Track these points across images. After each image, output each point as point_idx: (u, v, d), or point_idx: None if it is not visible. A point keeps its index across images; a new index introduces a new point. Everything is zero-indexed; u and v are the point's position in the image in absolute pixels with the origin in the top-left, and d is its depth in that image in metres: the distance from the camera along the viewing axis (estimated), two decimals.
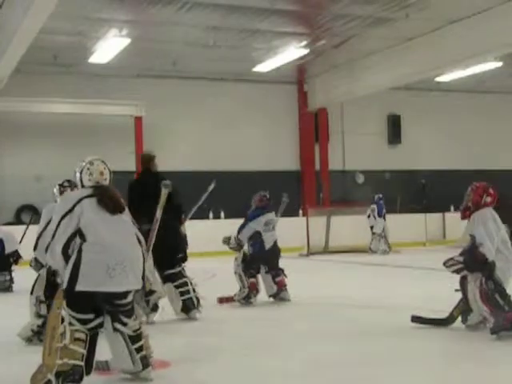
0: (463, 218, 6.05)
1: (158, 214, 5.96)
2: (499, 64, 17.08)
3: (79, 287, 4.23)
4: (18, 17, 11.44)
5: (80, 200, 4.40)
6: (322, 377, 4.64)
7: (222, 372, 4.87)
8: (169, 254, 7.00)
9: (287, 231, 17.53)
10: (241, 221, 8.44)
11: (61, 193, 6.32)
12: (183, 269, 7.21)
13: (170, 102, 18.60)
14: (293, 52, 16.55)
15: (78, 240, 4.31)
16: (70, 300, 4.28)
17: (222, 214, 17.79)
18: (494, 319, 5.49)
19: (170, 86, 18.70)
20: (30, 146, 17.41)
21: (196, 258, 15.66)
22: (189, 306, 7.02)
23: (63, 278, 4.37)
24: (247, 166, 19.46)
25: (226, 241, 8.39)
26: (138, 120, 18.21)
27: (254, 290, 8.05)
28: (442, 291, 8.79)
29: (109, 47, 15.47)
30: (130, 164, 18.13)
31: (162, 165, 20.30)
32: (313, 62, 18.48)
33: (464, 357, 5.21)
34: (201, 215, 17.11)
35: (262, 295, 8.25)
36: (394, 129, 21.47)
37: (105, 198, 4.46)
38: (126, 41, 14.93)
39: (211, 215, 18.09)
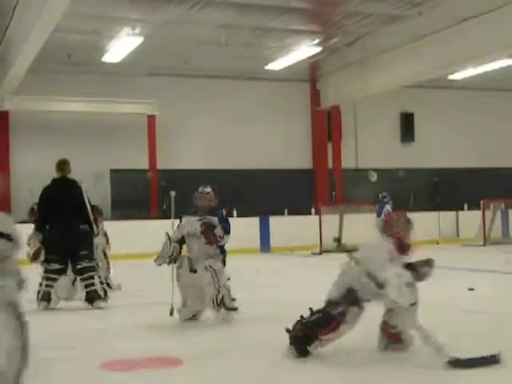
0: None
1: None
2: None
3: None
4: (32, 16, 11.53)
5: None
6: (329, 374, 4.67)
7: (234, 371, 4.86)
8: (71, 251, 7.89)
9: (300, 229, 17.66)
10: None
11: None
12: (93, 264, 8.02)
13: (182, 100, 18.64)
14: (305, 50, 16.53)
15: None
16: None
17: (235, 213, 17.79)
18: None
19: (182, 84, 18.73)
20: (44, 144, 17.46)
21: None
22: (92, 297, 7.86)
23: None
24: (260, 164, 19.45)
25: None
26: (152, 118, 18.30)
27: None
28: (454, 290, 8.80)
29: (122, 46, 15.53)
30: (143, 162, 18.24)
31: (176, 163, 20.51)
32: (325, 60, 18.45)
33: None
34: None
35: (275, 295, 8.21)
36: (407, 127, 21.40)
37: None
38: (139, 39, 14.98)
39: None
